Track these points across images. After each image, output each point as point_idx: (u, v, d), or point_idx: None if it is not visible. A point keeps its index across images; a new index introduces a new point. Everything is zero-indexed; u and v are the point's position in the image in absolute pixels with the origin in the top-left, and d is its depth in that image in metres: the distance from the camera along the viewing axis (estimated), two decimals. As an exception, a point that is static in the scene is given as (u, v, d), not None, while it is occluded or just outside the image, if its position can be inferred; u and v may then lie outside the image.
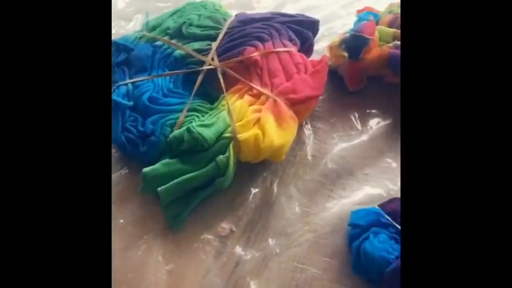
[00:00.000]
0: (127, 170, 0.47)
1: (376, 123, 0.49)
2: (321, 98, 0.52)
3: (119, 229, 0.42)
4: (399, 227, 0.39)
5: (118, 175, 0.47)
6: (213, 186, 0.43)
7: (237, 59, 0.47)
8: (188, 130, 0.43)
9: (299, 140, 0.48)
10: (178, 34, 0.53)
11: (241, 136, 0.42)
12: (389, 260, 0.36)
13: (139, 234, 0.42)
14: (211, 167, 0.42)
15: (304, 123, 0.50)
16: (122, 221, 0.43)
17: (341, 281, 0.39)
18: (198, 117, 0.45)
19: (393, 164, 0.46)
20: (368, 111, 0.50)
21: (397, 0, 0.56)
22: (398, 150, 0.47)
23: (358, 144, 0.48)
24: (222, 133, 0.43)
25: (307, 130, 0.49)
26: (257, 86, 0.46)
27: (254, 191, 0.45)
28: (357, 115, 0.50)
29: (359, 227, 0.39)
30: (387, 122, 0.49)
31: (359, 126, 0.49)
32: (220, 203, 0.44)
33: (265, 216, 0.43)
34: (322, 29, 0.59)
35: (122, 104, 0.46)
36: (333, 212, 0.43)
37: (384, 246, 0.37)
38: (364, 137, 0.48)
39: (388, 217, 0.39)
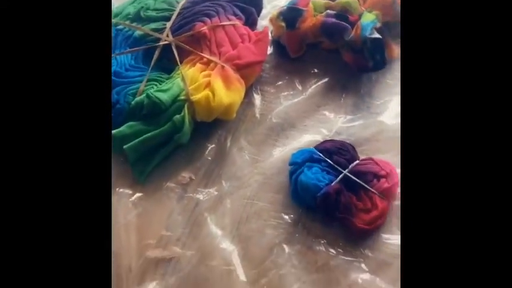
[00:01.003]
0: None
1: (314, 83, 0.56)
2: (268, 65, 0.59)
3: (93, 185, 0.48)
4: (329, 161, 0.46)
5: (90, 143, 0.53)
6: (172, 142, 0.49)
7: (188, 33, 0.54)
8: (147, 96, 0.49)
9: (249, 102, 0.55)
10: (137, 18, 0.59)
11: (194, 97, 0.49)
12: (320, 186, 0.44)
13: (118, 195, 0.48)
14: (169, 126, 0.49)
15: (253, 88, 0.57)
16: (96, 178, 0.49)
17: (284, 210, 0.46)
18: (156, 85, 0.51)
19: (328, 115, 0.53)
20: (308, 73, 0.57)
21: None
22: (334, 103, 0.54)
23: (299, 101, 0.55)
24: (177, 96, 0.50)
25: (256, 94, 0.56)
26: (206, 55, 0.52)
27: (210, 146, 0.52)
28: (298, 79, 0.57)
29: (296, 164, 0.46)
30: (324, 81, 0.56)
31: (300, 87, 0.56)
32: (181, 158, 0.51)
33: (220, 165, 0.50)
34: (268, 7, 0.66)
35: (89, 80, 0.52)
36: (277, 157, 0.50)
37: (316, 176, 0.45)
38: (305, 95, 0.55)
39: (320, 154, 0.46)
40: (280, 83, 0.57)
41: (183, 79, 0.51)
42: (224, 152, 0.51)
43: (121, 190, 0.48)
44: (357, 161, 0.46)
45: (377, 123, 0.52)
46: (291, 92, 0.55)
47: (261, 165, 0.49)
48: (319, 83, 0.56)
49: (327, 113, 0.53)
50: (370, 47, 0.54)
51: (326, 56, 0.59)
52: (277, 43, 0.60)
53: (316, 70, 0.57)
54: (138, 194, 0.48)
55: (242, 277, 0.41)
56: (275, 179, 0.48)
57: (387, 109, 0.53)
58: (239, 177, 0.49)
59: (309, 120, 0.53)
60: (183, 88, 0.50)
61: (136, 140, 0.48)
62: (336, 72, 0.57)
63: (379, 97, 0.54)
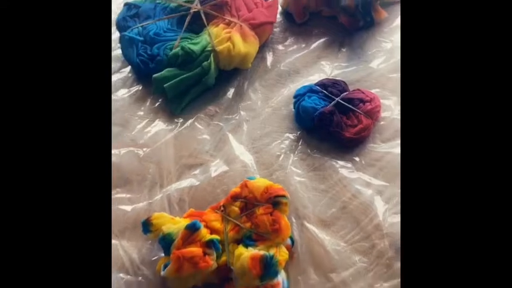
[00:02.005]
0: (141, 86, 0.66)
1: (316, 41, 0.68)
2: (278, 29, 0.72)
3: (138, 116, 0.62)
4: (325, 92, 0.58)
5: (135, 89, 0.66)
6: (201, 84, 0.62)
7: (212, 2, 0.67)
8: (182, 47, 0.62)
9: (262, 57, 0.68)
10: (172, -6, 0.73)
11: (218, 48, 0.62)
12: (317, 108, 0.56)
13: (152, 119, 0.61)
14: (199, 70, 0.62)
15: (266, 47, 0.69)
16: (141, 112, 0.62)
17: (289, 131, 0.58)
18: (188, 41, 0.65)
19: (326, 64, 0.65)
20: (311, 34, 0.70)
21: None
22: (332, 55, 0.66)
23: (303, 54, 0.67)
24: (205, 48, 0.63)
25: (268, 51, 0.69)
26: (228, 17, 0.66)
27: (231, 89, 0.64)
28: (303, 38, 0.70)
29: (299, 95, 0.58)
30: (323, 39, 0.68)
31: (304, 45, 0.68)
32: (208, 98, 0.63)
33: (238, 101, 0.62)
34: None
35: (136, 39, 0.66)
36: (285, 95, 0.62)
37: (314, 101, 0.56)
38: (308, 50, 0.67)
39: (317, 87, 0.58)
40: (287, 42, 0.70)
41: (209, 35, 0.64)
42: (242, 92, 0.63)
43: (160, 120, 0.61)
44: (347, 92, 0.58)
45: (366, 68, 0.63)
46: (295, 47, 0.68)
47: (271, 100, 0.62)
48: (320, 40, 0.68)
49: (325, 62, 0.66)
50: (361, 10, 0.66)
51: (326, 21, 0.71)
52: (285, 12, 0.72)
53: (317, 31, 0.70)
54: (175, 122, 0.61)
55: (256, 175, 0.53)
56: (282, 110, 0.60)
57: (375, 58, 0.64)
58: (254, 109, 0.61)
59: (311, 68, 0.65)
60: (209, 42, 0.63)
61: (174, 80, 0.61)
62: (334, 32, 0.69)
63: (368, 50, 0.66)
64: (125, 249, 0.49)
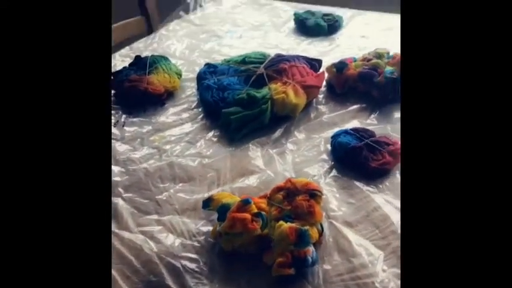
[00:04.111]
0: (208, 121, 0.84)
1: (350, 107, 0.85)
2: (322, 96, 0.90)
3: (204, 139, 0.78)
4: (357, 134, 0.72)
5: (203, 122, 0.83)
6: (258, 121, 0.79)
7: (274, 68, 0.88)
8: (247, 93, 0.81)
9: (307, 112, 0.85)
10: (242, 61, 0.95)
11: (275, 96, 0.80)
12: (349, 144, 0.70)
13: (215, 142, 0.77)
14: (258, 110, 0.79)
15: (311, 106, 0.87)
16: (207, 137, 0.78)
17: (325, 161, 0.71)
18: (252, 91, 0.84)
19: (359, 122, 0.81)
20: (348, 101, 0.87)
21: (366, 51, 0.97)
22: (364, 116, 0.82)
23: (341, 113, 0.83)
24: (265, 96, 0.81)
25: (313, 109, 0.86)
26: (285, 79, 0.85)
27: (280, 129, 0.80)
28: (341, 103, 0.87)
29: (336, 135, 0.73)
30: (356, 106, 0.85)
31: (340, 107, 0.85)
32: (261, 133, 0.79)
33: (285, 137, 0.78)
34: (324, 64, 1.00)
35: (212, 86, 0.86)
36: (323, 137, 0.77)
37: (348, 139, 0.71)
38: (344, 111, 0.84)
39: (351, 130, 0.73)
40: (328, 105, 0.87)
41: (269, 88, 0.83)
42: (289, 132, 0.79)
43: (221, 143, 0.77)
44: (375, 137, 0.72)
45: (391, 127, 0.78)
46: (334, 108, 0.85)
47: (312, 139, 0.77)
48: (355, 106, 0.86)
49: (358, 121, 0.81)
50: (390, 87, 0.84)
51: (361, 94, 0.89)
52: (329, 84, 0.92)
53: (353, 100, 0.87)
54: (233, 145, 0.76)
55: (295, 186, 0.65)
56: (320, 147, 0.75)
57: (398, 122, 0.80)
58: (297, 143, 0.76)
59: (346, 122, 0.81)
60: (269, 92, 0.82)
61: (238, 115, 0.78)
62: (367, 102, 0.86)
63: (392, 115, 0.82)
64: (184, 223, 0.60)
